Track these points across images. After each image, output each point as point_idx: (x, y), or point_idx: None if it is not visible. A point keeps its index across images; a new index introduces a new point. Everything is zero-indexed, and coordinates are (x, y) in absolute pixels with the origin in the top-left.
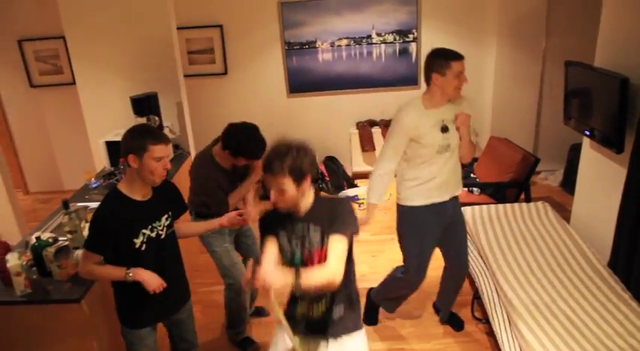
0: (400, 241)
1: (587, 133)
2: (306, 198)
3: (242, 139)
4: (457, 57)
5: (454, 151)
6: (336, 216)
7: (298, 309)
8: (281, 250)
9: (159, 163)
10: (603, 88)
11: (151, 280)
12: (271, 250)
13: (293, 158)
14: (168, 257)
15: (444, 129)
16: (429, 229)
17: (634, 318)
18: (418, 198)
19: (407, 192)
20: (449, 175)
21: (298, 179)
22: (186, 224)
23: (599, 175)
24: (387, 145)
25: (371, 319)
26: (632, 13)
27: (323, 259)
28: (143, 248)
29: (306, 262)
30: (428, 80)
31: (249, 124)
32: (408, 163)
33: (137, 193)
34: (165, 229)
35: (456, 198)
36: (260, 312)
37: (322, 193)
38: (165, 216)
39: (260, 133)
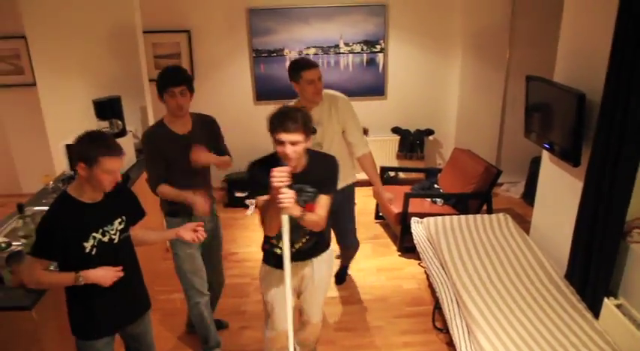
0: None
1: (547, 146)
2: (304, 156)
3: (160, 73)
4: (307, 66)
5: (327, 149)
6: (327, 178)
7: (278, 249)
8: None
9: (109, 176)
10: (561, 103)
11: (105, 275)
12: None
13: (302, 116)
14: (123, 264)
15: (312, 131)
16: None
17: (588, 329)
18: None
19: None
20: None
21: (307, 134)
22: (142, 231)
23: (557, 187)
24: None
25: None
26: (589, 30)
27: (312, 210)
28: (94, 252)
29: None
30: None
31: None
32: None
33: (86, 196)
34: (118, 233)
35: (347, 188)
36: (219, 325)
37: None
38: (119, 220)
39: (173, 65)
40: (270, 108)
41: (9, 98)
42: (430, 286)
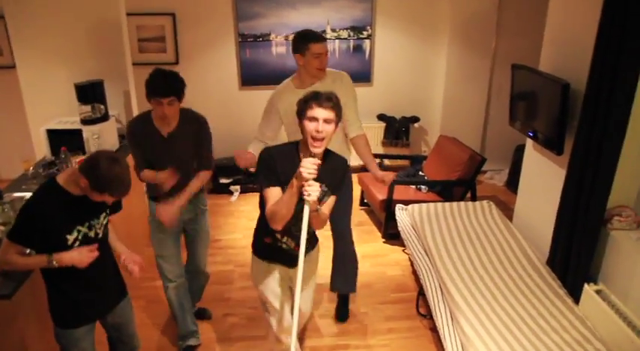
0: None
1: (531, 134)
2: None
3: (147, 80)
4: (315, 39)
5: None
6: (338, 180)
7: (285, 245)
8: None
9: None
10: (546, 92)
11: (81, 257)
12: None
13: (336, 97)
14: (102, 255)
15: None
16: None
17: (569, 314)
18: None
19: None
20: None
21: (339, 116)
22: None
23: (540, 175)
24: (262, 118)
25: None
26: (574, 19)
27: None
28: (76, 245)
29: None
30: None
31: (158, 68)
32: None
33: (75, 187)
34: (102, 228)
35: None
36: (202, 314)
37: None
38: (104, 214)
39: (164, 71)
40: (256, 93)
41: None
42: (414, 272)
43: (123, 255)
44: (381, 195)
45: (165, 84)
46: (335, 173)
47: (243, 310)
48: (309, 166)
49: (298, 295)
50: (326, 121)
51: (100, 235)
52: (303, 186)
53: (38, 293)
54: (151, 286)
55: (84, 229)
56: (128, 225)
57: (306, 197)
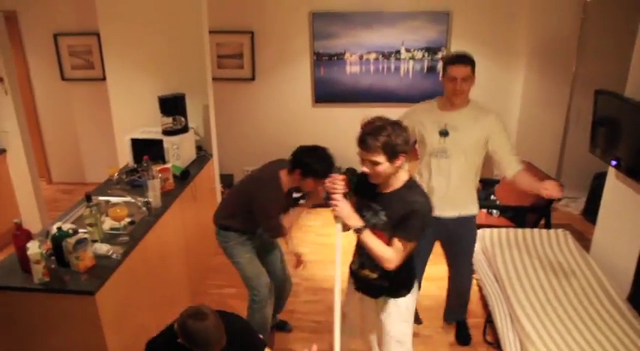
0: None
1: (613, 163)
2: (399, 176)
3: (314, 159)
4: (455, 61)
5: (454, 161)
6: (406, 220)
7: (354, 265)
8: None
9: None
10: (633, 119)
11: None
12: (349, 199)
13: (388, 135)
14: None
15: (443, 133)
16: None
17: None
18: None
19: None
20: (447, 188)
21: (391, 156)
22: None
23: (622, 205)
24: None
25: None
26: None
27: (382, 240)
28: None
29: None
30: None
31: (318, 146)
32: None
33: None
34: None
35: (464, 219)
36: (282, 326)
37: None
38: None
39: (329, 153)
40: (329, 110)
41: (79, 91)
42: (482, 298)
43: None
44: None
45: (332, 168)
46: (401, 210)
47: (307, 323)
48: (332, 181)
49: (337, 324)
50: (372, 166)
51: None
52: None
53: (120, 291)
54: (220, 293)
55: None
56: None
57: (333, 212)
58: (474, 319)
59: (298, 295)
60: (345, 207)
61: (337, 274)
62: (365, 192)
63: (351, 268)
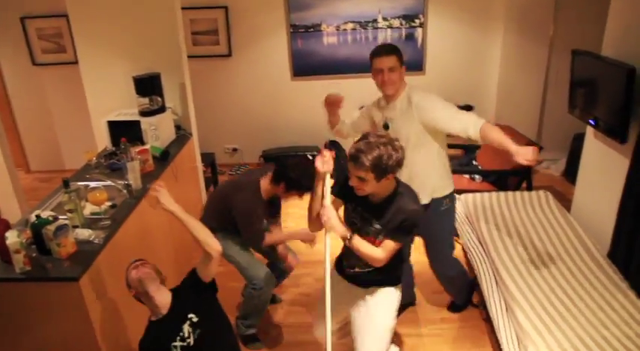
0: None
1: (592, 122)
2: (384, 190)
3: (299, 173)
4: (377, 53)
5: (407, 153)
6: (398, 226)
7: (345, 261)
8: (345, 216)
9: None
10: (609, 78)
11: None
12: (335, 204)
13: (379, 155)
14: None
15: (385, 127)
16: None
17: (630, 307)
18: None
19: None
20: (410, 178)
21: (380, 176)
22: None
23: (601, 164)
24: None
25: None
26: None
27: (370, 242)
28: None
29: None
30: None
31: (303, 159)
32: None
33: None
34: (192, 335)
35: (437, 202)
36: (272, 299)
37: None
38: (188, 322)
39: (313, 165)
40: (308, 83)
41: (52, 76)
42: (468, 262)
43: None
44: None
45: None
46: (397, 218)
47: (297, 296)
48: (323, 158)
49: (329, 313)
50: (359, 182)
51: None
52: (322, 186)
53: (105, 275)
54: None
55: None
56: None
57: (322, 221)
58: None
59: None
60: (332, 217)
61: (327, 283)
62: (353, 197)
63: (338, 265)
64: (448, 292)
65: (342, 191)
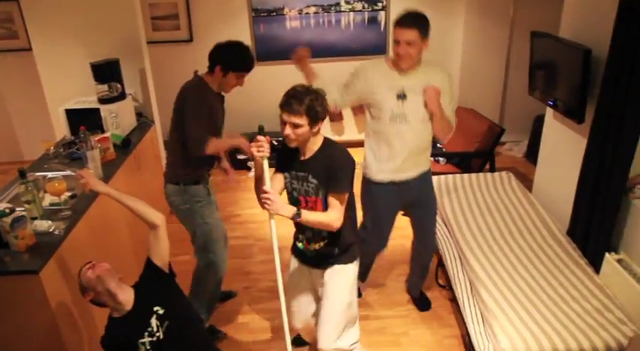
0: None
1: (551, 103)
2: (316, 141)
3: (232, 53)
4: (400, 23)
5: (414, 126)
6: (332, 173)
7: (300, 243)
8: (286, 188)
9: None
10: (567, 60)
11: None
12: (278, 182)
13: (311, 100)
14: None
15: (401, 96)
16: (381, 205)
17: (589, 283)
18: (376, 173)
19: (366, 162)
20: (409, 153)
21: (313, 120)
22: None
23: (560, 144)
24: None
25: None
26: None
27: (317, 207)
28: None
29: (302, 205)
30: None
31: (236, 41)
32: (369, 133)
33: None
34: (160, 328)
35: (424, 175)
36: (228, 295)
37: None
38: (154, 316)
39: (248, 47)
40: (271, 68)
41: (4, 64)
42: None
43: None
44: None
45: (252, 61)
46: (329, 165)
47: (263, 283)
48: (257, 144)
49: (282, 298)
50: (294, 127)
51: (161, 336)
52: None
53: (67, 267)
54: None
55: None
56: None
57: (265, 207)
58: None
59: (253, 255)
60: (275, 200)
61: (278, 270)
62: (289, 165)
63: (296, 248)
64: (419, 278)
65: (280, 165)
